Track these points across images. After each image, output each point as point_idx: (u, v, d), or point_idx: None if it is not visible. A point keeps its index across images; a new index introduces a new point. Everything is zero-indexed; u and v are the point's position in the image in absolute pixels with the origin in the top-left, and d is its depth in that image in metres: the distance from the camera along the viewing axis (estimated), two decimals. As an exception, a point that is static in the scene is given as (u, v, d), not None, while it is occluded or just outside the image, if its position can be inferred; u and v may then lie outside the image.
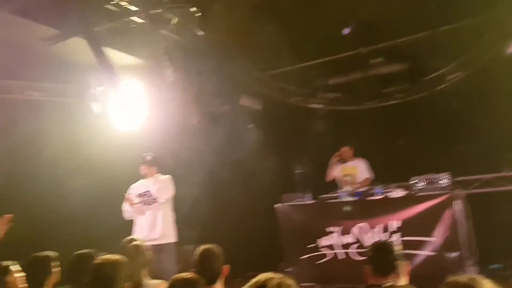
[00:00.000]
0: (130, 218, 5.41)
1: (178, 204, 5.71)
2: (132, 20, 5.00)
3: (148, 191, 5.33)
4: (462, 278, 1.76)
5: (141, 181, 5.50)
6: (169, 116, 5.75)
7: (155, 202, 5.29)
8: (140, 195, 5.37)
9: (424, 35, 6.52)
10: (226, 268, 2.87)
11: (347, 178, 6.61)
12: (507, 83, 6.10)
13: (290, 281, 1.32)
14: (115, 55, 5.33)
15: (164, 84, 5.48)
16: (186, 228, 6.15)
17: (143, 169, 5.42)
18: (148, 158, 5.42)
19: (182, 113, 5.81)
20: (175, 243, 5.39)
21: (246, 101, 7.38)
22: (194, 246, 3.11)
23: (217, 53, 5.95)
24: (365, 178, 6.49)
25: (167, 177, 5.47)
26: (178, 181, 5.53)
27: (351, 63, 7.42)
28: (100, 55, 4.85)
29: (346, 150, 6.70)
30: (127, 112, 5.36)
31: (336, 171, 6.79)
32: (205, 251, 2.88)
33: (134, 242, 3.36)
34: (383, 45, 7.03)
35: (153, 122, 5.54)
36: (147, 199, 5.33)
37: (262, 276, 1.34)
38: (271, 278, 1.31)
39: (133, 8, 4.91)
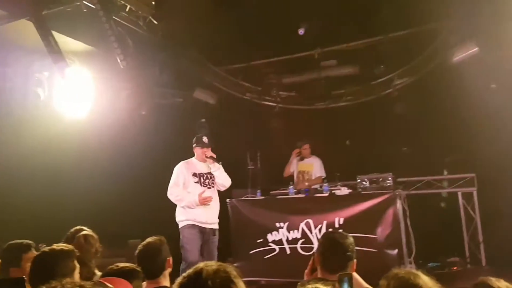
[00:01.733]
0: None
1: (123, 196, 5.60)
2: (84, 4, 4.82)
3: (209, 173, 5.08)
4: (402, 271, 1.86)
5: (194, 161, 5.14)
6: (117, 105, 5.60)
7: (213, 186, 5.10)
8: (200, 175, 5.05)
9: (375, 40, 6.77)
10: (169, 261, 2.82)
11: (303, 174, 6.73)
12: (451, 91, 6.46)
13: (229, 268, 1.34)
14: (64, 40, 5.13)
15: (114, 72, 5.33)
16: (133, 222, 6.05)
17: (208, 151, 5.05)
18: (205, 139, 5.12)
19: (131, 103, 5.66)
20: None
21: (200, 95, 7.33)
22: (141, 240, 3.06)
23: (171, 44, 5.87)
24: (318, 176, 6.65)
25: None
26: (123, 172, 5.41)
27: (305, 63, 7.59)
28: (47, 39, 4.64)
29: (306, 147, 6.80)
30: (73, 99, 5.16)
31: (294, 167, 6.90)
32: (147, 244, 2.83)
33: (84, 232, 3.26)
34: (335, 48, 7.24)
35: (101, 110, 5.37)
36: (208, 181, 5.07)
37: (201, 264, 1.34)
38: (210, 265, 1.32)
39: (84, -8, 4.73)
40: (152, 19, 5.37)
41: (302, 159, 6.82)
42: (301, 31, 6.61)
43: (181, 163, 5.10)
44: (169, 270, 2.79)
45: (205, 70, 7.57)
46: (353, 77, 7.51)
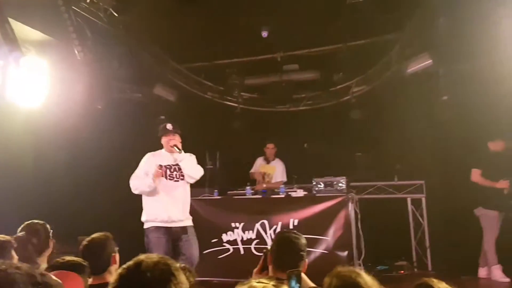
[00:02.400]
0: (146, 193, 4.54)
1: (78, 190, 5.46)
2: (43, -8, 4.68)
3: (177, 165, 4.54)
4: (344, 269, 1.93)
5: (162, 152, 4.65)
6: (73, 97, 5.45)
7: (183, 179, 4.54)
8: (166, 167, 4.52)
9: (335, 48, 6.94)
10: (115, 257, 2.77)
11: (264, 176, 6.80)
12: (405, 100, 6.72)
13: (170, 261, 1.35)
14: (20, 28, 4.94)
15: (71, 63, 5.20)
16: (88, 217, 5.91)
17: (173, 139, 4.51)
18: (170, 125, 4.57)
19: (87, 96, 5.53)
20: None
21: (160, 91, 7.25)
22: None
23: (132, 38, 5.78)
24: (279, 181, 6.71)
25: (193, 155, 4.72)
26: (77, 167, 5.28)
27: (268, 66, 7.68)
28: (3, 26, 4.46)
29: (270, 146, 6.84)
30: (28, 89, 4.99)
31: (256, 167, 6.96)
32: (91, 240, 2.77)
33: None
34: (297, 53, 7.37)
35: (56, 102, 5.22)
36: (176, 174, 4.54)
37: (142, 255, 1.35)
38: (151, 257, 1.32)
39: (44, -20, 4.61)
40: (113, 12, 5.27)
41: (267, 161, 6.88)
42: (264, 34, 6.68)
43: (148, 154, 4.65)
44: (115, 266, 2.74)
45: (166, 66, 7.50)
46: (314, 82, 7.67)
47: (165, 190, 4.45)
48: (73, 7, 4.79)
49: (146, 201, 4.52)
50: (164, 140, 4.56)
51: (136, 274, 1.28)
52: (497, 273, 5.58)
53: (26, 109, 5.18)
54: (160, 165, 4.44)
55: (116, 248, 2.85)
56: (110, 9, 5.23)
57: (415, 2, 5.99)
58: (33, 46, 5.15)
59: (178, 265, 1.38)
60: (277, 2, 6.03)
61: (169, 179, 4.49)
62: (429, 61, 6.38)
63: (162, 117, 6.97)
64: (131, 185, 4.50)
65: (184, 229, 4.49)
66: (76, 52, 4.77)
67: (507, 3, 4.93)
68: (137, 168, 4.58)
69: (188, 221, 4.57)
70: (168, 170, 4.50)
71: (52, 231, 3.35)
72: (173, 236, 4.42)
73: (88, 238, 2.79)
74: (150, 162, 4.53)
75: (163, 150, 4.62)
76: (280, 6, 6.13)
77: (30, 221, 3.36)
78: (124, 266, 1.33)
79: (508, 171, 5.61)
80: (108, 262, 2.71)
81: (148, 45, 6.89)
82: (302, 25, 6.48)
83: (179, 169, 4.53)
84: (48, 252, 3.23)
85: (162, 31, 6.26)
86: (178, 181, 4.51)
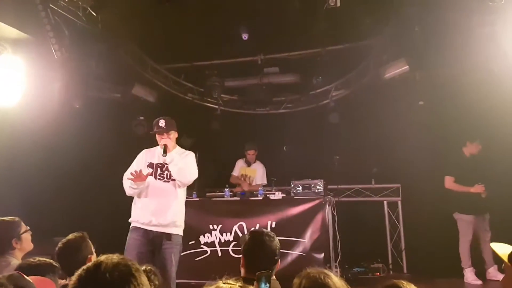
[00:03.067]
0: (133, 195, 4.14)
1: (55, 190, 5.36)
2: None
3: (167, 164, 4.07)
4: (313, 270, 1.96)
5: (156, 149, 4.21)
6: (50, 96, 5.37)
7: (173, 180, 4.06)
8: (157, 166, 4.12)
9: (314, 52, 7.02)
10: (91, 259, 2.70)
11: (245, 177, 6.82)
12: (382, 105, 6.83)
13: (130, 262, 1.33)
14: (-4, 25, 4.86)
15: (48, 62, 5.12)
16: (60, 217, 5.82)
17: (164, 138, 4.08)
18: (162, 123, 4.10)
19: (65, 95, 5.45)
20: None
21: (139, 91, 7.19)
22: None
23: (110, 37, 5.72)
24: (259, 183, 6.74)
25: (191, 153, 4.25)
26: (54, 166, 5.19)
27: (248, 68, 7.71)
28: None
29: (250, 153, 6.87)
30: (3, 87, 4.90)
31: (237, 170, 6.97)
32: (66, 242, 2.72)
33: None
34: (277, 56, 7.42)
35: (32, 100, 5.13)
36: (167, 173, 4.09)
37: (102, 256, 1.34)
38: (111, 258, 1.31)
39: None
40: (92, 11, 5.22)
41: (249, 165, 6.90)
42: (245, 36, 6.71)
43: (143, 150, 4.29)
44: None
45: (145, 66, 7.45)
46: (294, 86, 7.73)
47: (153, 190, 4.07)
48: (51, 5, 4.72)
49: (134, 200, 4.17)
50: (157, 137, 4.16)
51: (95, 275, 1.27)
52: (470, 276, 5.70)
53: (1, 108, 5.09)
54: (152, 163, 4.10)
55: (93, 249, 2.80)
56: (89, 8, 5.17)
57: (391, 10, 6.10)
58: (9, 44, 5.06)
59: (142, 267, 1.36)
60: (258, 6, 6.07)
61: (159, 178, 4.08)
62: (405, 67, 6.51)
63: (141, 117, 6.93)
64: (124, 185, 4.13)
65: (167, 236, 3.99)
66: (53, 50, 4.69)
67: (480, 12, 5.07)
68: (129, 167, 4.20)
69: (175, 229, 4.04)
70: (159, 169, 4.10)
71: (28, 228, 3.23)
72: (152, 242, 3.98)
73: (63, 240, 2.73)
74: (140, 160, 4.21)
75: (158, 147, 4.21)
76: (260, 10, 6.18)
77: None
78: (84, 267, 1.31)
79: (483, 174, 5.73)
80: (83, 264, 2.65)
81: (127, 44, 6.83)
82: (283, 28, 6.54)
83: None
84: (15, 250, 3.09)
85: (142, 31, 6.22)
86: (168, 181, 4.07)
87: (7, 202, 5.16)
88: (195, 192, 6.45)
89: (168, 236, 3.99)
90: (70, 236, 2.78)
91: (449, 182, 5.86)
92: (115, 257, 1.31)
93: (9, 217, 3.18)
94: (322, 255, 5.60)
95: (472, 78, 5.84)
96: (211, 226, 6.10)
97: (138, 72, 7.26)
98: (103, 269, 1.27)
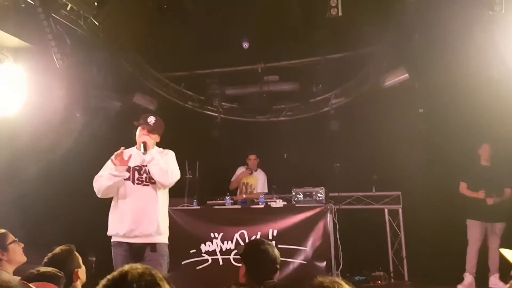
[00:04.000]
0: (106, 195, 3.69)
1: (54, 199, 5.33)
2: (22, -1, 4.63)
3: (145, 166, 3.63)
4: (326, 280, 1.93)
5: (133, 150, 3.73)
6: (51, 104, 5.37)
7: (152, 183, 3.63)
8: (134, 169, 3.67)
9: (314, 60, 7.06)
10: (77, 273, 2.67)
11: (246, 185, 6.82)
12: (382, 112, 6.84)
13: (154, 271, 1.35)
14: (-3, 35, 4.88)
15: (49, 71, 5.13)
16: (63, 226, 5.79)
17: (146, 136, 3.64)
18: (151, 120, 3.72)
19: (66, 103, 5.45)
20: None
21: (139, 100, 7.20)
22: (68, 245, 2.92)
23: (111, 46, 5.74)
24: (260, 191, 6.71)
25: (171, 152, 3.83)
26: (54, 175, 5.17)
27: (248, 76, 7.74)
28: (-22, 32, 4.41)
29: (252, 158, 6.84)
30: (4, 96, 4.90)
31: (238, 177, 6.94)
32: (52, 257, 2.65)
33: None
34: (277, 64, 7.46)
35: (33, 109, 5.13)
36: (146, 176, 3.64)
37: (127, 265, 1.35)
38: (135, 268, 1.33)
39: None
40: (93, 20, 5.24)
41: (251, 173, 6.87)
42: (245, 45, 6.74)
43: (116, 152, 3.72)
44: (78, 283, 2.65)
45: (146, 74, 7.47)
46: (294, 94, 7.76)
47: (131, 196, 3.61)
48: (53, 14, 4.74)
49: (110, 211, 3.71)
50: (137, 133, 3.70)
51: (122, 285, 1.28)
52: (467, 281, 5.70)
53: (2, 116, 5.09)
54: (128, 166, 3.60)
55: (81, 262, 2.76)
56: (91, 17, 5.19)
57: (391, 18, 6.14)
58: (10, 53, 5.08)
59: (161, 275, 1.38)
60: (258, 14, 6.11)
61: (137, 183, 3.62)
62: (405, 75, 6.54)
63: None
64: (95, 187, 3.68)
65: (151, 246, 3.57)
66: (55, 59, 4.70)
67: (479, 21, 5.10)
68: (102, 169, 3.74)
69: (159, 237, 3.62)
70: (136, 172, 3.64)
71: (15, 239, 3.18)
72: (137, 255, 3.54)
73: (49, 254, 2.67)
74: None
75: (134, 148, 3.75)
76: (261, 19, 6.21)
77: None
78: (109, 276, 1.32)
79: (493, 182, 5.73)
80: (70, 279, 2.60)
81: (128, 53, 6.86)
82: (283, 37, 6.57)
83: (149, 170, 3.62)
84: (2, 262, 3.05)
85: (143, 40, 6.25)
86: (148, 185, 3.62)
87: (5, 211, 5.15)
88: (195, 200, 6.44)
89: (153, 246, 3.57)
90: (57, 249, 2.72)
91: (462, 188, 5.92)
92: (139, 267, 1.33)
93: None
94: (324, 263, 5.57)
95: (472, 84, 5.86)
96: (212, 235, 6.07)
97: (139, 80, 7.28)
98: (130, 279, 1.28)
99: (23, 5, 4.58)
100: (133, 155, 3.66)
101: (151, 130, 3.67)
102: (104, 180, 3.60)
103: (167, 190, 3.79)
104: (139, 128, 3.70)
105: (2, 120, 5.07)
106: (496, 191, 5.69)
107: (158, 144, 3.85)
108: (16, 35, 4.97)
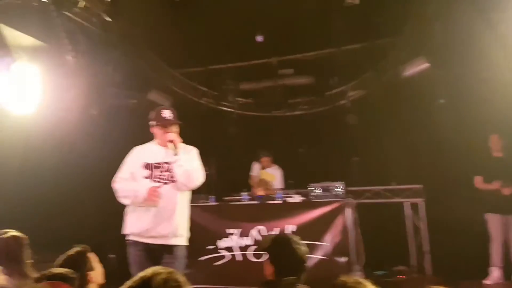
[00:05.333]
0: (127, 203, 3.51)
1: (70, 198, 5.35)
2: (34, -3, 4.63)
3: (168, 164, 3.46)
4: (349, 280, 1.85)
5: (152, 146, 3.59)
6: (66, 103, 5.38)
7: (173, 181, 3.45)
8: (155, 166, 3.49)
9: (330, 52, 6.93)
10: (91, 275, 2.64)
11: (264, 182, 6.75)
12: (401, 103, 6.69)
13: (178, 276, 1.29)
14: (11, 34, 4.89)
15: (64, 69, 5.13)
16: (81, 225, 5.82)
17: (172, 133, 3.45)
18: (168, 114, 3.50)
19: (81, 102, 5.46)
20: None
21: (155, 97, 7.19)
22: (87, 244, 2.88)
23: (126, 43, 5.72)
24: (278, 187, 6.65)
25: (194, 150, 3.62)
26: (71, 174, 5.18)
27: (262, 71, 7.65)
28: (-7, 32, 4.42)
29: (265, 160, 6.80)
30: (19, 95, 4.92)
31: (255, 173, 6.91)
32: (66, 259, 2.62)
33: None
34: (292, 57, 7.35)
35: (48, 108, 5.14)
36: (166, 174, 3.46)
37: (150, 270, 1.28)
38: (158, 273, 1.26)
39: (35, -15, 4.56)
40: (107, 17, 5.22)
41: (263, 168, 6.84)
42: (259, 38, 6.66)
43: (134, 149, 3.62)
44: (91, 285, 2.62)
45: (160, 71, 7.46)
46: (309, 87, 7.65)
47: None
48: (65, 12, 4.72)
49: (127, 208, 3.57)
50: (158, 132, 3.52)
51: None
52: (494, 275, 5.55)
53: (17, 116, 5.12)
54: (147, 163, 3.48)
55: (94, 264, 2.72)
56: (104, 15, 5.17)
57: (410, 7, 5.98)
58: (24, 52, 5.09)
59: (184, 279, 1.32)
60: (272, 7, 6.01)
61: (157, 181, 3.45)
62: (425, 64, 6.37)
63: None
64: (115, 190, 3.51)
65: (167, 249, 3.40)
66: (69, 57, 4.69)
67: (501, 10, 4.93)
68: (121, 167, 3.57)
69: (175, 239, 3.44)
70: (156, 170, 3.48)
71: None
72: (154, 256, 3.37)
73: (63, 256, 2.65)
74: (135, 161, 3.54)
75: (153, 144, 3.60)
76: (274, 11, 6.11)
77: (4, 231, 3.10)
78: (131, 283, 1.26)
79: (507, 172, 5.58)
80: (84, 281, 2.57)
81: (142, 50, 6.84)
82: (297, 29, 6.46)
83: (171, 168, 3.44)
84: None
85: (156, 36, 6.22)
86: (167, 183, 3.45)
87: (22, 210, 5.19)
88: (212, 197, 6.41)
89: (169, 249, 3.40)
90: (70, 251, 2.69)
91: (477, 182, 5.78)
92: (162, 271, 1.26)
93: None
94: (345, 259, 5.48)
95: (494, 74, 5.68)
96: (229, 231, 6.03)
97: (153, 77, 7.26)
98: (155, 286, 1.25)
99: (36, 3, 4.57)
100: (154, 152, 3.52)
101: (174, 123, 3.49)
102: (123, 193, 3.46)
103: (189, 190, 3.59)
104: (158, 127, 3.51)
105: (17, 119, 5.09)
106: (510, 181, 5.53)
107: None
108: (30, 34, 4.98)
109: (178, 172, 3.39)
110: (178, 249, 3.43)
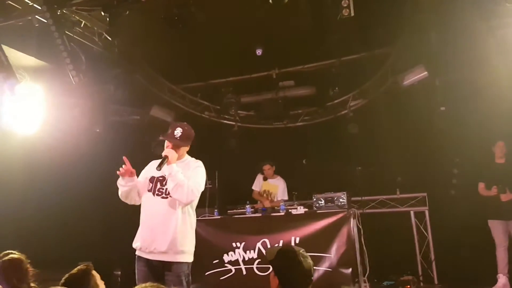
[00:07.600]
0: (130, 202, 3.54)
1: (75, 216, 5.37)
2: (36, 19, 4.71)
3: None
4: None
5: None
6: (70, 122, 5.44)
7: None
8: (158, 179, 3.44)
9: (330, 62, 6.97)
10: None
11: (267, 193, 6.78)
12: (403, 112, 6.70)
13: None
14: (14, 55, 4.98)
15: (66, 88, 5.20)
16: (85, 243, 5.83)
17: (168, 146, 3.42)
18: (178, 132, 3.43)
19: (85, 120, 5.51)
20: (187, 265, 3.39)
21: (157, 112, 7.24)
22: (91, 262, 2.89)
23: (126, 61, 5.79)
24: (281, 199, 6.65)
25: (198, 164, 3.54)
26: (75, 192, 5.22)
27: (263, 83, 7.70)
28: (-3, 53, 4.50)
29: (266, 168, 6.81)
30: (24, 116, 4.99)
31: (258, 185, 6.91)
32: (69, 277, 2.60)
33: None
34: (292, 69, 7.39)
35: (52, 127, 5.20)
36: (162, 188, 3.39)
37: (142, 285, 1.30)
38: (152, 286, 1.27)
39: (37, 6, 4.64)
40: (107, 36, 5.30)
41: (265, 179, 6.84)
42: (258, 52, 6.71)
43: (152, 162, 3.63)
44: None
45: (161, 87, 7.52)
46: (310, 98, 7.67)
47: (150, 208, 3.42)
48: (66, 32, 4.80)
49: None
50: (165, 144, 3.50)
51: None
52: (500, 282, 5.50)
53: (21, 135, 5.18)
54: (153, 176, 3.47)
55: (98, 281, 2.69)
56: (104, 33, 5.24)
57: (406, 17, 6.02)
58: (27, 72, 5.17)
59: None
60: (270, 20, 6.06)
61: (157, 194, 3.39)
62: (425, 73, 6.40)
63: (160, 137, 6.93)
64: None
65: (167, 266, 3.28)
66: (71, 76, 4.76)
67: (496, 15, 4.95)
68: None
69: (175, 256, 3.30)
70: (159, 183, 3.42)
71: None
72: (154, 272, 3.30)
73: (67, 275, 2.63)
74: (144, 174, 3.58)
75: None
76: (273, 25, 6.16)
77: (6, 252, 3.07)
78: None
79: (508, 179, 5.57)
80: None
81: (143, 67, 6.91)
82: (296, 42, 6.51)
83: None
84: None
85: (157, 52, 6.28)
86: (166, 197, 3.35)
87: (27, 227, 5.21)
88: (216, 210, 6.41)
89: (168, 266, 3.28)
90: (74, 270, 2.67)
91: (480, 189, 5.80)
92: (152, 284, 1.27)
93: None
94: (350, 270, 5.44)
95: (493, 80, 5.69)
96: (234, 244, 6.03)
97: (155, 93, 7.32)
98: None
99: (37, 24, 4.66)
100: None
101: (177, 144, 3.40)
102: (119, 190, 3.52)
103: (191, 205, 3.45)
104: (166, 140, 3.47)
105: (22, 139, 5.15)
106: (511, 188, 5.51)
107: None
108: (32, 54, 5.06)
109: (169, 186, 3.29)
110: (178, 266, 3.29)
